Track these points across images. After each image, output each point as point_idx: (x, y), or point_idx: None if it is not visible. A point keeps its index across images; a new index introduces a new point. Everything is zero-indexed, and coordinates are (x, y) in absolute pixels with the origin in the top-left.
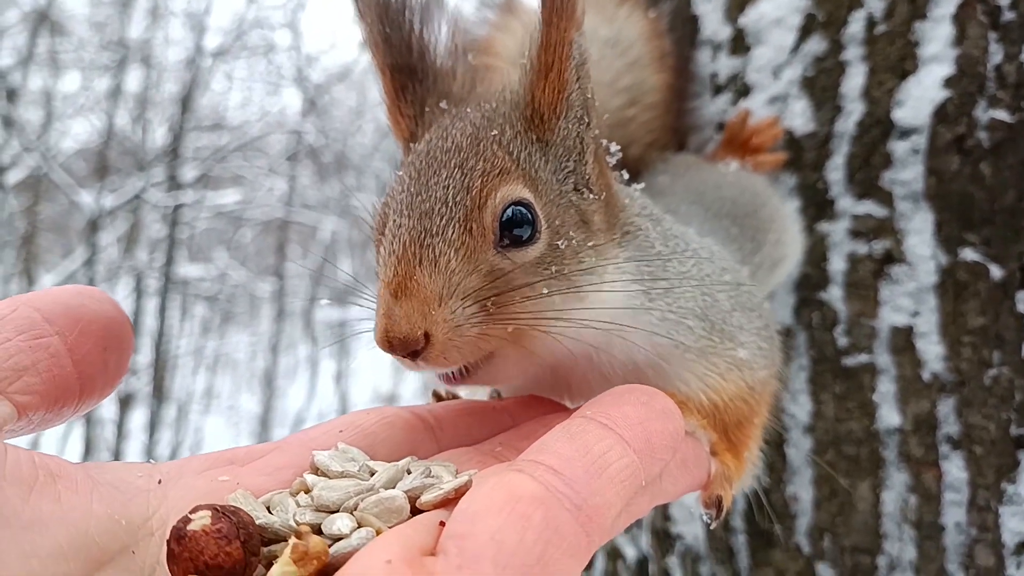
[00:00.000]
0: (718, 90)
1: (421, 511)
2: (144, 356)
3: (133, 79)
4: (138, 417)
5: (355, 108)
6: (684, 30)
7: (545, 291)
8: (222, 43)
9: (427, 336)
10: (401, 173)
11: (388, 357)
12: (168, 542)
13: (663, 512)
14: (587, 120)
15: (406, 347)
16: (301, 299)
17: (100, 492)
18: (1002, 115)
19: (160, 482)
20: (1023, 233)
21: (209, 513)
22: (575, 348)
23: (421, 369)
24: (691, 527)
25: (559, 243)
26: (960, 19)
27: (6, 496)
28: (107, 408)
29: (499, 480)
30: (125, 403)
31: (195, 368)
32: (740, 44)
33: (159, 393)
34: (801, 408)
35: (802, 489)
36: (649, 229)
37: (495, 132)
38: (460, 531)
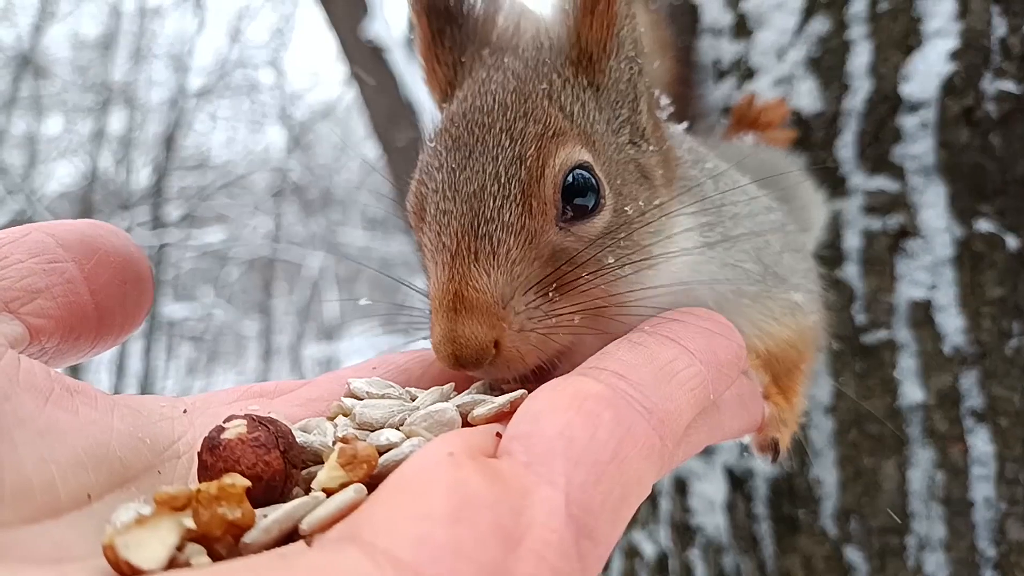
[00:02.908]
0: (721, 75)
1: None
2: None
3: (116, 121)
4: None
5: (339, 144)
6: (684, 20)
7: (611, 260)
8: (205, 83)
9: (496, 344)
10: (435, 145)
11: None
12: (200, 454)
13: (682, 504)
14: (638, 63)
15: (478, 364)
16: (288, 336)
17: (121, 412)
18: (1009, 86)
19: (185, 411)
20: None
21: (245, 421)
22: (644, 316)
23: (490, 376)
24: (712, 518)
25: (626, 208)
26: None
27: (21, 401)
28: None
29: (561, 383)
30: None
31: None
32: (742, 29)
33: None
34: (822, 388)
35: (826, 471)
36: (703, 177)
37: (544, 86)
38: (524, 431)
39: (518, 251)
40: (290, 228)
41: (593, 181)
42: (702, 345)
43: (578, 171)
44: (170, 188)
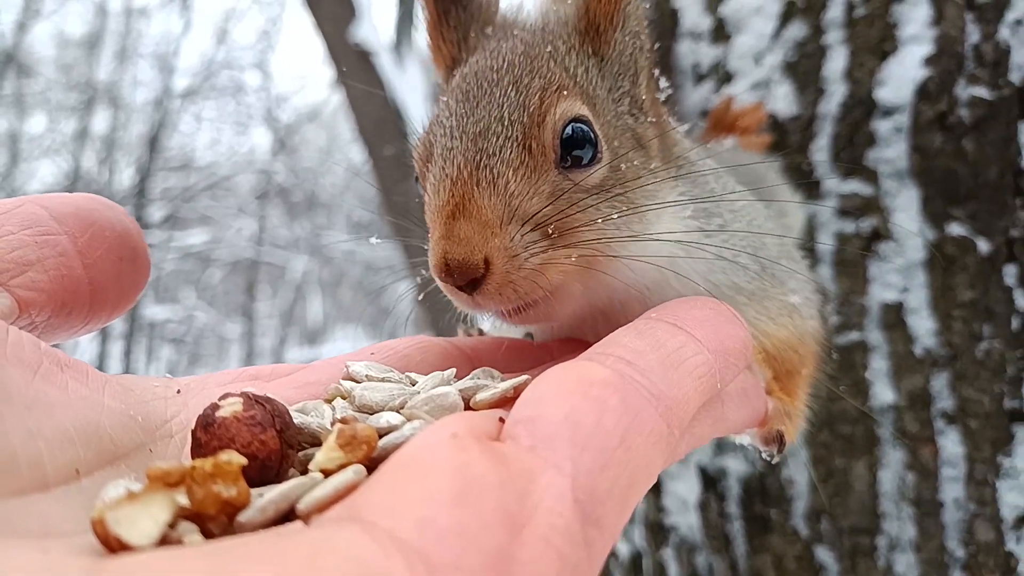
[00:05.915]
0: (700, 79)
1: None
2: None
3: (100, 120)
4: None
5: (325, 147)
6: (663, 24)
7: (615, 215)
8: (191, 84)
9: (487, 263)
10: (446, 98)
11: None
12: (193, 432)
13: (656, 503)
14: (642, 40)
15: (465, 273)
16: (270, 339)
17: (113, 389)
18: (982, 92)
19: (179, 392)
20: (1008, 207)
21: (240, 399)
22: (632, 285)
23: (477, 306)
24: (685, 517)
25: (621, 165)
26: (937, 0)
27: (7, 373)
28: None
29: (566, 368)
30: None
31: None
32: (721, 33)
33: None
34: None
35: (797, 471)
36: (702, 165)
37: (549, 48)
38: (528, 415)
39: (516, 184)
40: (274, 231)
41: (591, 135)
42: (710, 333)
43: (577, 124)
44: (153, 189)
